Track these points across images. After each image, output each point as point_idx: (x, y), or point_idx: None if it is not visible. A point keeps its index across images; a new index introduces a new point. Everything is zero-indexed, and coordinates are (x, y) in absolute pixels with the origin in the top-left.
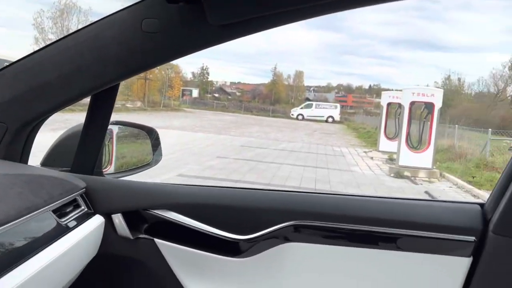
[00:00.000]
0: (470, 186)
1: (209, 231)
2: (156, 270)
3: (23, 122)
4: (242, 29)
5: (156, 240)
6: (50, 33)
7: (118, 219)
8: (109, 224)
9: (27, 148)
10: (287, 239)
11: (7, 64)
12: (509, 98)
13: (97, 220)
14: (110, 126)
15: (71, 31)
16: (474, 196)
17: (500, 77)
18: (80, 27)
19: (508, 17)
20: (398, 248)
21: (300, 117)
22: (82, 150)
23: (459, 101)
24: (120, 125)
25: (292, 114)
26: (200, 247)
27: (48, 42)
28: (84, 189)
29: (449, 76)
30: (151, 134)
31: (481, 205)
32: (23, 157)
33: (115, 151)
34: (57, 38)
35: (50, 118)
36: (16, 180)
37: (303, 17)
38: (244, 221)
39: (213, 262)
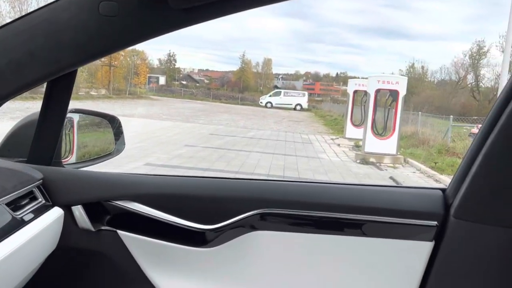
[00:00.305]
0: (432, 172)
1: (174, 222)
2: (120, 263)
3: None
4: (205, 13)
5: (119, 232)
6: (8, 18)
7: (78, 211)
8: (69, 217)
9: None
10: (253, 228)
11: None
12: (469, 86)
13: (56, 213)
14: (70, 115)
15: None
16: (436, 181)
17: (461, 65)
18: None
19: (468, 7)
20: (363, 234)
21: (269, 104)
22: (39, 140)
23: (422, 88)
24: (80, 113)
25: (261, 102)
26: (165, 238)
27: None
28: (41, 181)
29: (413, 64)
30: (113, 123)
31: (443, 190)
32: None
33: (76, 140)
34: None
35: (10, 106)
36: None
37: (266, 2)
38: (210, 210)
39: (179, 252)
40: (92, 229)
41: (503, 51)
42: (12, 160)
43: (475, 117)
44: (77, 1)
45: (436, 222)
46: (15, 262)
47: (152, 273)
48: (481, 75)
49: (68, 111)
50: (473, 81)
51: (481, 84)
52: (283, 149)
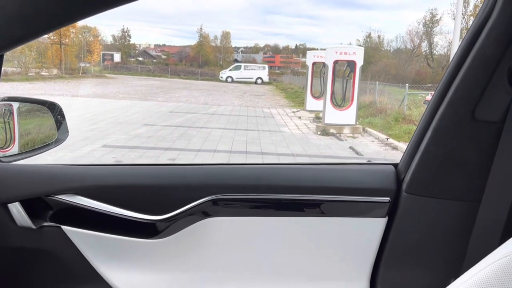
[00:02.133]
0: (391, 140)
1: (122, 214)
2: (67, 259)
3: None
4: None
5: (63, 227)
6: None
7: (15, 208)
8: (6, 215)
9: None
10: (206, 215)
11: None
12: (424, 53)
13: None
14: (6, 102)
15: None
16: (394, 148)
17: (415, 34)
18: None
19: None
20: (318, 214)
21: (229, 79)
22: None
23: (379, 57)
24: (14, 101)
25: (221, 77)
26: (114, 231)
27: None
28: None
29: (369, 34)
30: (53, 110)
31: (395, 165)
32: None
33: (17, 128)
34: None
35: None
36: None
37: None
38: (160, 200)
39: (130, 245)
40: (33, 226)
41: (454, 19)
42: None
43: (430, 85)
44: None
45: (388, 198)
46: None
47: (102, 268)
48: (435, 43)
49: (0, 100)
50: (427, 48)
51: (434, 51)
52: (245, 125)
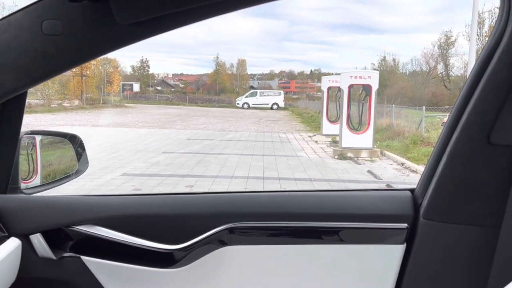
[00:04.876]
0: (409, 162)
1: (139, 244)
2: None
3: None
4: (154, 27)
5: (83, 258)
6: None
7: (37, 240)
8: (28, 246)
9: None
10: (223, 243)
11: None
12: (440, 75)
13: (12, 243)
14: (31, 135)
15: None
16: (413, 171)
17: (431, 56)
18: None
19: None
20: (336, 242)
21: (245, 105)
22: None
23: (394, 80)
24: (37, 134)
25: (238, 103)
26: (132, 261)
27: None
28: None
29: (384, 57)
30: (74, 142)
31: (412, 190)
32: None
33: (39, 160)
34: None
35: None
36: None
37: (215, 12)
38: (176, 229)
39: (148, 275)
40: (54, 257)
41: (469, 40)
42: None
43: (447, 106)
44: (17, 22)
45: (406, 224)
46: None
47: None
48: (451, 64)
49: (23, 133)
50: (443, 70)
51: (451, 73)
52: (262, 150)
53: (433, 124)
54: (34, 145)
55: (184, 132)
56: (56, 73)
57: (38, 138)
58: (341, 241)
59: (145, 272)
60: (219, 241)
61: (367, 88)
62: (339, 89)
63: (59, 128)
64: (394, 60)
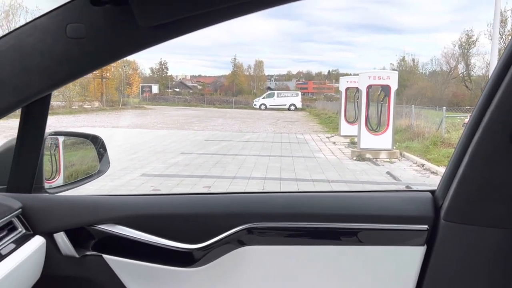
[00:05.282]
0: (429, 164)
1: (159, 243)
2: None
3: None
4: (175, 30)
5: (104, 256)
6: None
7: (61, 238)
8: (52, 244)
9: None
10: (242, 243)
11: None
12: (461, 75)
13: (37, 241)
14: (54, 136)
15: None
16: (433, 172)
17: (451, 56)
18: None
19: None
20: (355, 243)
21: (263, 107)
22: (18, 166)
23: (414, 81)
24: (60, 135)
25: (255, 105)
26: (152, 260)
27: None
28: (19, 210)
29: (403, 57)
30: (96, 142)
31: (432, 192)
32: None
33: (62, 160)
34: None
35: (3, 125)
36: None
37: (235, 14)
38: (196, 228)
39: (168, 274)
40: (76, 255)
41: (491, 39)
42: None
43: (468, 107)
44: (43, 25)
45: (426, 226)
46: None
47: None
48: (472, 64)
49: (47, 134)
50: (464, 70)
51: (472, 73)
52: (279, 151)
53: (453, 125)
54: (57, 146)
55: (202, 133)
56: (79, 75)
57: (61, 139)
58: (360, 242)
59: (165, 270)
60: (238, 241)
61: (386, 88)
62: (357, 89)
63: (80, 129)
64: (413, 60)
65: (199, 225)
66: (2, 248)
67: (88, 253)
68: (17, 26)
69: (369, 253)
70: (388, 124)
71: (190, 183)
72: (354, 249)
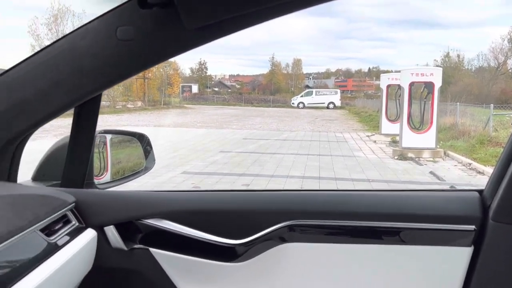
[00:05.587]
0: (476, 163)
1: (203, 238)
2: (154, 280)
3: (6, 141)
4: (219, 31)
5: (151, 249)
6: (46, 40)
7: (111, 231)
8: (102, 237)
9: (14, 166)
10: (283, 240)
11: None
12: (510, 71)
13: (90, 234)
14: (102, 135)
15: None
16: (480, 172)
17: (500, 50)
18: None
19: None
20: (399, 242)
21: (301, 105)
22: (71, 163)
23: (459, 77)
24: (109, 133)
25: (293, 103)
26: (196, 254)
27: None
28: (73, 204)
29: (448, 53)
30: (142, 140)
31: (480, 191)
32: (11, 175)
33: (110, 157)
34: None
35: (53, 124)
36: None
37: (279, 13)
38: (239, 224)
39: (211, 268)
40: (125, 248)
41: None
42: (46, 184)
43: None
44: (95, 28)
45: (474, 226)
46: (55, 285)
47: None
48: None
49: (97, 132)
50: None
51: None
52: (318, 150)
53: (502, 123)
54: (104, 144)
55: (240, 132)
56: (128, 76)
57: (108, 137)
58: (402, 241)
59: (208, 264)
60: (280, 238)
61: (429, 85)
62: (399, 87)
63: (123, 128)
64: (458, 56)
65: (242, 221)
66: (59, 239)
67: (136, 246)
68: (71, 30)
69: (412, 252)
70: (431, 122)
71: (229, 181)
72: (397, 249)
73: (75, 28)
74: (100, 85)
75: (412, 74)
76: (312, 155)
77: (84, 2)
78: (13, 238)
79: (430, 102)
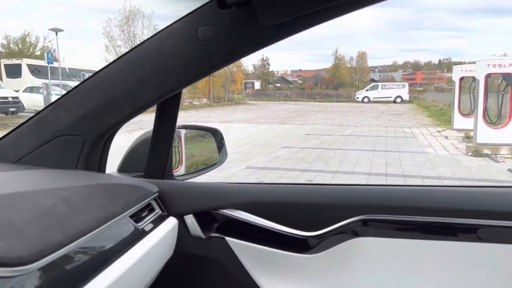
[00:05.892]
0: None
1: (277, 229)
2: (229, 267)
3: (98, 134)
4: (295, 27)
5: (227, 238)
6: (119, 40)
7: (190, 220)
8: (182, 225)
9: (104, 158)
10: (356, 234)
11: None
12: None
13: (171, 222)
14: (177, 130)
15: (136, 36)
16: None
17: None
18: (144, 31)
19: None
20: (478, 240)
21: (366, 99)
22: (153, 156)
23: None
24: (186, 129)
25: (357, 97)
26: (270, 244)
27: (116, 49)
28: (157, 193)
29: None
30: (216, 135)
31: None
32: (101, 166)
33: (184, 152)
34: (126, 48)
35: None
36: (95, 190)
37: (353, 8)
38: (312, 217)
39: (283, 258)
40: (203, 236)
41: None
42: (131, 175)
43: None
44: (177, 30)
45: None
46: (141, 268)
47: (259, 277)
48: None
49: (176, 127)
50: None
51: None
52: (384, 145)
53: None
54: (179, 138)
55: (303, 127)
56: (206, 74)
57: (183, 132)
58: (483, 239)
59: (281, 255)
60: (353, 232)
61: (508, 77)
62: (473, 79)
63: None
64: None
65: (314, 214)
66: (145, 226)
67: (213, 234)
68: (141, 30)
69: (491, 252)
70: (510, 117)
71: (292, 176)
72: (476, 247)
73: (143, 27)
74: (181, 83)
75: (488, 65)
76: (378, 151)
77: (151, 2)
78: (109, 223)
79: (508, 94)
